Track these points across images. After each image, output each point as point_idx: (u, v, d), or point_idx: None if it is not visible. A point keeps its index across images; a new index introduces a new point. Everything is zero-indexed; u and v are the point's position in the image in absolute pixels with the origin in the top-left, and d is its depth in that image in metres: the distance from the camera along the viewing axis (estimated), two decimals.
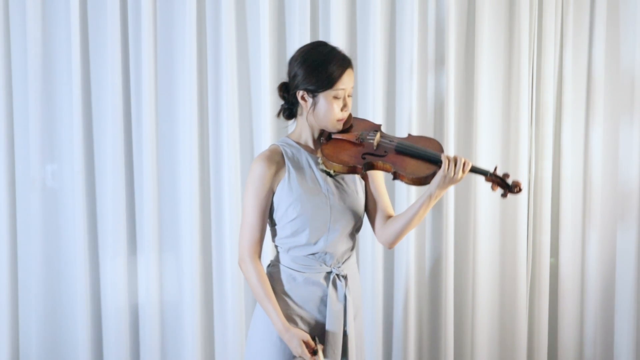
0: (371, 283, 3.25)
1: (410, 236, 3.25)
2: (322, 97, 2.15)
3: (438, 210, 3.31)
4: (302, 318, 2.21)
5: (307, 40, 3.13)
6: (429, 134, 3.31)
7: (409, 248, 3.25)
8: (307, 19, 3.15)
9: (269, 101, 3.12)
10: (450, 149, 3.25)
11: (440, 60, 3.28)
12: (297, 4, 3.14)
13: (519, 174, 3.32)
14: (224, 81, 3.11)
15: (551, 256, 3.43)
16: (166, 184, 3.17)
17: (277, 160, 2.18)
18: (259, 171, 2.16)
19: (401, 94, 3.25)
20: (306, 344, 2.15)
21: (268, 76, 3.11)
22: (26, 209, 3.14)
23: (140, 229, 3.17)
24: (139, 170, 3.15)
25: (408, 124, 3.23)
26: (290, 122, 2.28)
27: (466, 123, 3.33)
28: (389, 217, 2.30)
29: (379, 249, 3.25)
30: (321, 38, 3.19)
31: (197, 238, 3.15)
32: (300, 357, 2.16)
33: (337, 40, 3.13)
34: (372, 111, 3.20)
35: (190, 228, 3.14)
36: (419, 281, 3.33)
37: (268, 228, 2.25)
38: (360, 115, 3.24)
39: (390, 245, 2.31)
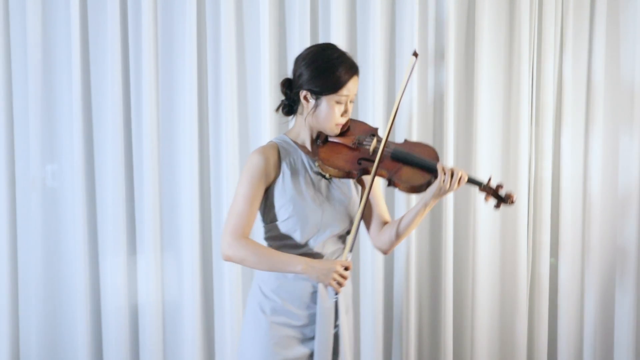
0: (371, 283, 3.24)
1: (411, 236, 3.24)
2: (325, 101, 2.15)
3: (438, 210, 3.31)
4: (291, 313, 2.18)
5: (307, 39, 3.13)
6: (429, 134, 3.31)
7: (409, 248, 3.25)
8: (307, 18, 3.15)
9: (269, 103, 3.11)
10: (450, 150, 3.24)
11: (440, 60, 3.28)
12: (297, 3, 3.14)
13: (519, 174, 3.32)
14: (223, 83, 3.11)
15: (551, 256, 3.43)
16: (166, 184, 3.17)
17: (274, 157, 2.17)
18: (256, 162, 2.15)
19: None
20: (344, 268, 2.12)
21: (268, 77, 3.10)
22: (26, 209, 3.14)
23: (140, 229, 3.17)
24: (139, 170, 3.15)
25: (408, 124, 3.23)
26: (289, 118, 2.28)
27: (466, 123, 3.33)
28: (385, 223, 2.30)
29: None
30: (321, 35, 3.19)
31: (197, 238, 3.15)
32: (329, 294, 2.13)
33: (337, 38, 3.13)
34: (372, 111, 3.20)
35: (190, 228, 3.14)
36: (419, 281, 3.33)
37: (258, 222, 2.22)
38: (361, 115, 3.24)
39: (385, 252, 2.32)
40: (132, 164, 3.16)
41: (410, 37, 3.21)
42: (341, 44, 3.15)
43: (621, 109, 3.40)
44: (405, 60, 3.23)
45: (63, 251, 3.18)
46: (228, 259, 2.15)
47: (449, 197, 3.26)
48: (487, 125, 3.32)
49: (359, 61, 3.20)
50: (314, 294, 2.19)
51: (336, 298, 2.17)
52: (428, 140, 3.31)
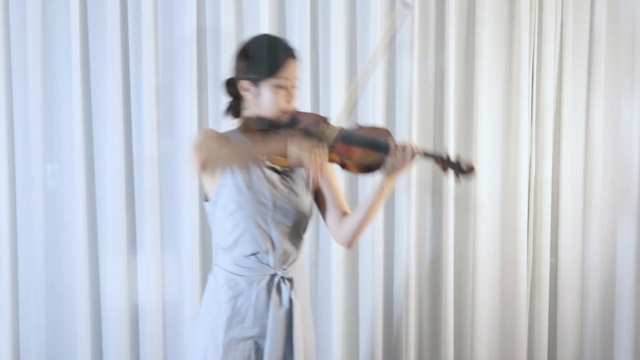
0: (371, 283, 3.24)
1: (411, 235, 3.25)
2: (266, 86, 2.08)
3: (438, 210, 3.30)
4: (245, 322, 2.14)
5: (307, 39, 3.13)
6: (429, 135, 3.31)
7: (409, 247, 3.25)
8: (307, 18, 3.14)
9: None
10: (450, 150, 3.24)
11: (440, 60, 3.28)
12: (297, 3, 3.14)
13: (519, 174, 3.32)
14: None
15: (551, 256, 3.43)
16: (166, 184, 3.17)
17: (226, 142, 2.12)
18: (209, 131, 2.10)
19: (401, 94, 3.25)
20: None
21: None
22: (26, 209, 3.14)
23: (140, 229, 3.17)
24: (139, 170, 3.14)
25: (408, 125, 3.23)
26: (237, 121, 2.22)
27: (466, 123, 3.33)
28: (344, 214, 2.23)
29: (379, 249, 3.25)
30: (321, 35, 3.19)
31: (197, 238, 3.14)
32: None
33: (337, 38, 3.14)
34: (373, 112, 3.20)
35: (190, 228, 3.14)
36: (419, 281, 3.33)
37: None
38: (361, 115, 3.24)
39: (348, 245, 2.24)
40: (132, 164, 3.16)
41: (411, 37, 3.21)
42: (341, 44, 3.16)
43: (621, 106, 3.40)
44: (405, 59, 3.23)
45: (63, 251, 3.18)
46: (203, 164, 1.98)
47: (449, 197, 3.26)
48: (487, 126, 3.32)
49: (359, 61, 3.22)
50: (269, 302, 2.14)
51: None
52: (428, 142, 3.30)
